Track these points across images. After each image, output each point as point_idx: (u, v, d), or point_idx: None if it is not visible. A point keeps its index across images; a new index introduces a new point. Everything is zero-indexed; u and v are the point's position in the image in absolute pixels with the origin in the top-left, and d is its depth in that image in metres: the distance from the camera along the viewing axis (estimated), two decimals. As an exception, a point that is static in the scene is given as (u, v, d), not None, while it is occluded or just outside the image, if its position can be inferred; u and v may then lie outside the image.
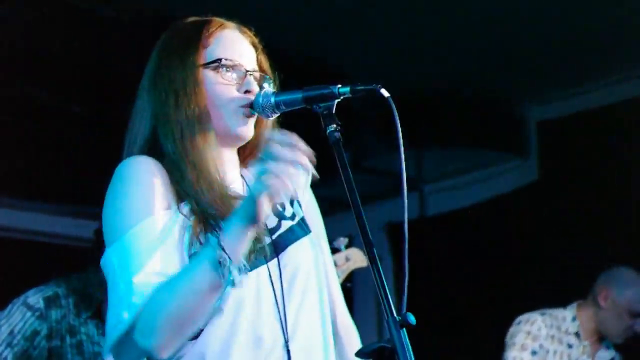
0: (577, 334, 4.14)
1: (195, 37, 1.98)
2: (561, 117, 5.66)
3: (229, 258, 1.71)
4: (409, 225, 1.71)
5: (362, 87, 1.81)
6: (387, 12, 4.58)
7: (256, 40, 2.05)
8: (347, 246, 3.45)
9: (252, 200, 1.72)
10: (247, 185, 2.00)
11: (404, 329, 1.62)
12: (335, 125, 1.80)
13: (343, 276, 3.43)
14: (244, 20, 2.10)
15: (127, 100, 2.05)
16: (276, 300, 1.87)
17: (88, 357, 3.07)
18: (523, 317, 4.16)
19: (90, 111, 4.73)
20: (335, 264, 3.39)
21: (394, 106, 1.76)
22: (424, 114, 5.50)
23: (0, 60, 4.21)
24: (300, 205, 2.07)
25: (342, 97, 1.83)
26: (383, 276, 1.68)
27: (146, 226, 1.83)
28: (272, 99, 1.90)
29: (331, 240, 3.43)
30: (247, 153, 2.05)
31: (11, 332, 3.04)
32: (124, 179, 1.89)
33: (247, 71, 1.98)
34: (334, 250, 3.41)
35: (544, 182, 5.75)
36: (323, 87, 1.84)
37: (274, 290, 1.88)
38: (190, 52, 1.96)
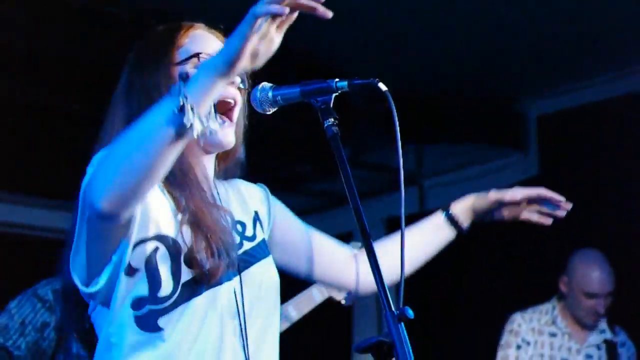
0: (554, 322, 4.30)
1: (169, 39, 1.94)
2: (561, 112, 5.66)
3: (191, 106, 1.57)
4: (409, 219, 1.70)
5: (359, 81, 1.80)
6: (387, 9, 4.58)
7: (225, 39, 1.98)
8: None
9: (240, 36, 1.59)
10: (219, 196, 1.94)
11: (402, 323, 1.61)
12: (332, 120, 1.79)
13: None
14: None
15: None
16: (239, 318, 1.83)
17: (93, 350, 3.10)
18: (508, 319, 4.39)
19: (90, 110, 4.73)
20: None
21: (391, 100, 1.75)
22: (424, 110, 5.50)
23: (0, 60, 4.21)
24: (262, 227, 2.03)
25: (339, 91, 1.82)
26: (381, 271, 1.68)
27: None
28: (270, 93, 1.88)
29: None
30: (222, 161, 2.01)
31: (23, 322, 3.07)
32: None
33: None
34: None
35: (544, 176, 5.74)
36: (321, 81, 1.83)
37: (237, 307, 1.84)
38: (165, 53, 1.92)
